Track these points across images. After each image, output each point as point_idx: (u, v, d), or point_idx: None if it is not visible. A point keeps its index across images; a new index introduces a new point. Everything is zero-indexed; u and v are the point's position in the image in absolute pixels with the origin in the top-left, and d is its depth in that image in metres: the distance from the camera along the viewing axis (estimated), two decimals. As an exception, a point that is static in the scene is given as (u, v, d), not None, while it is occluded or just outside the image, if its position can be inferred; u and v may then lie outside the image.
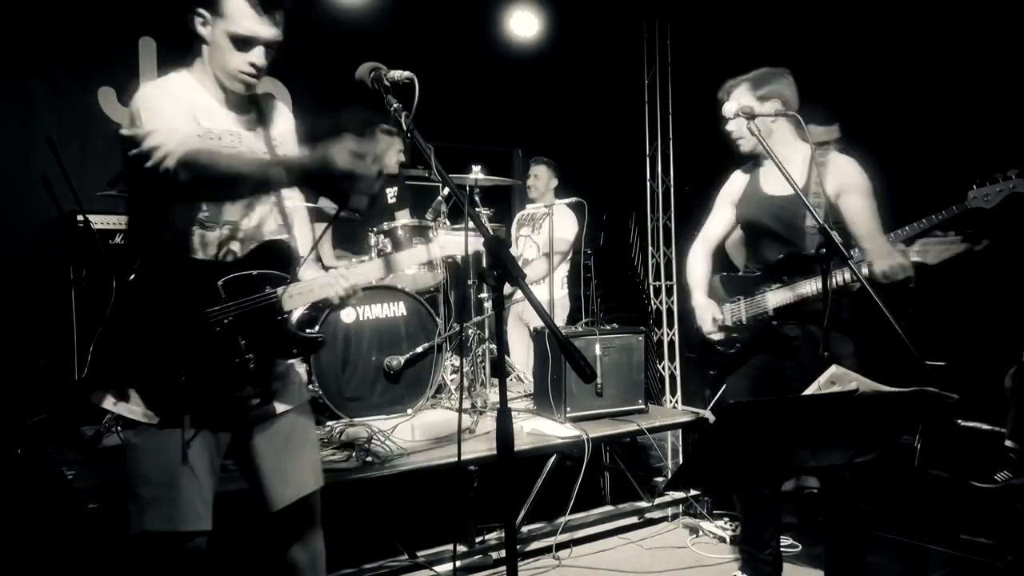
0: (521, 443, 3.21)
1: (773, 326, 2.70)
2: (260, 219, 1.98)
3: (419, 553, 3.14)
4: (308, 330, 2.00)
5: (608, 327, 3.86)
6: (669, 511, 3.83)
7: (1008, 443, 3.92)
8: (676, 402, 5.63)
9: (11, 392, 3.94)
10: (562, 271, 5.01)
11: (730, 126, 2.74)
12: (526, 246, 4.95)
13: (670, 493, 3.86)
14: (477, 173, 4.10)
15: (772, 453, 1.75)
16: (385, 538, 3.16)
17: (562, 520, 3.42)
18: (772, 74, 2.72)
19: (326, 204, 4.58)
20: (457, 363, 4.22)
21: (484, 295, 4.22)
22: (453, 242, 2.57)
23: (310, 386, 3.61)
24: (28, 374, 4.08)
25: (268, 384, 1.96)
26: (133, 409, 1.83)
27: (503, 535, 2.50)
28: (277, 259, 1.95)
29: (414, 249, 2.49)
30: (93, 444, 3.34)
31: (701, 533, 3.63)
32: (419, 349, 3.83)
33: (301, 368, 2.15)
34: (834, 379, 1.80)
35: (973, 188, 2.55)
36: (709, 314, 2.88)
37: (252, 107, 2.04)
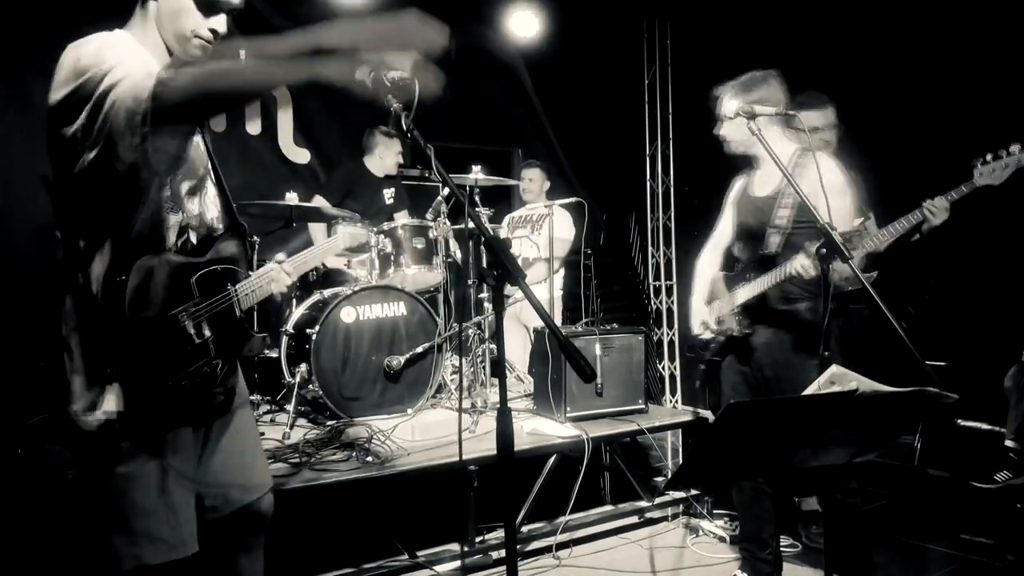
0: (521, 443, 3.20)
1: (825, 325, 2.69)
2: (204, 203, 1.84)
3: (419, 553, 3.14)
4: (255, 331, 1.92)
5: (608, 327, 3.86)
6: (669, 511, 3.83)
7: (1008, 443, 3.93)
8: (676, 402, 5.63)
9: (11, 392, 3.93)
10: (559, 272, 5.03)
11: (723, 130, 2.77)
12: (525, 247, 4.96)
13: (670, 493, 3.86)
14: (477, 173, 4.11)
15: (772, 453, 1.75)
16: (385, 538, 3.16)
17: (562, 520, 3.42)
18: (760, 78, 2.73)
19: (326, 204, 4.59)
20: (457, 363, 4.22)
21: (484, 295, 4.22)
22: (350, 235, 2.77)
23: (310, 386, 3.61)
24: (28, 374, 4.08)
25: (227, 381, 1.85)
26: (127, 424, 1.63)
27: (503, 535, 2.49)
28: (233, 251, 1.86)
29: (320, 245, 2.52)
30: (93, 444, 3.33)
31: (701, 533, 3.63)
32: (419, 349, 3.83)
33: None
34: (834, 379, 1.80)
35: (978, 166, 2.51)
36: (699, 318, 3.01)
37: None
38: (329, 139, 5.43)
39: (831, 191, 2.55)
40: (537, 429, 3.50)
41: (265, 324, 3.93)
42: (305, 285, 4.27)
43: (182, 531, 1.72)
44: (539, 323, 4.41)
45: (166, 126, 1.57)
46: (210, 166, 1.89)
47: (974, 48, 4.35)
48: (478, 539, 3.23)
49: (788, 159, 2.70)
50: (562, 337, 1.56)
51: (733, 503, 3.25)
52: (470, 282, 4.17)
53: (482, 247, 1.60)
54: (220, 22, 1.75)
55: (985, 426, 4.16)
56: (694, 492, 3.83)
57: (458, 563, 3.13)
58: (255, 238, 3.78)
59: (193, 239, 1.78)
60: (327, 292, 3.94)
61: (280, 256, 2.10)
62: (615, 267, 6.34)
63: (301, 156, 5.35)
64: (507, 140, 6.58)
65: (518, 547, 3.28)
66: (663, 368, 5.77)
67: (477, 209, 4.18)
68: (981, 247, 4.25)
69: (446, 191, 4.14)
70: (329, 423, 3.54)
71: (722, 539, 3.52)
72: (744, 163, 2.94)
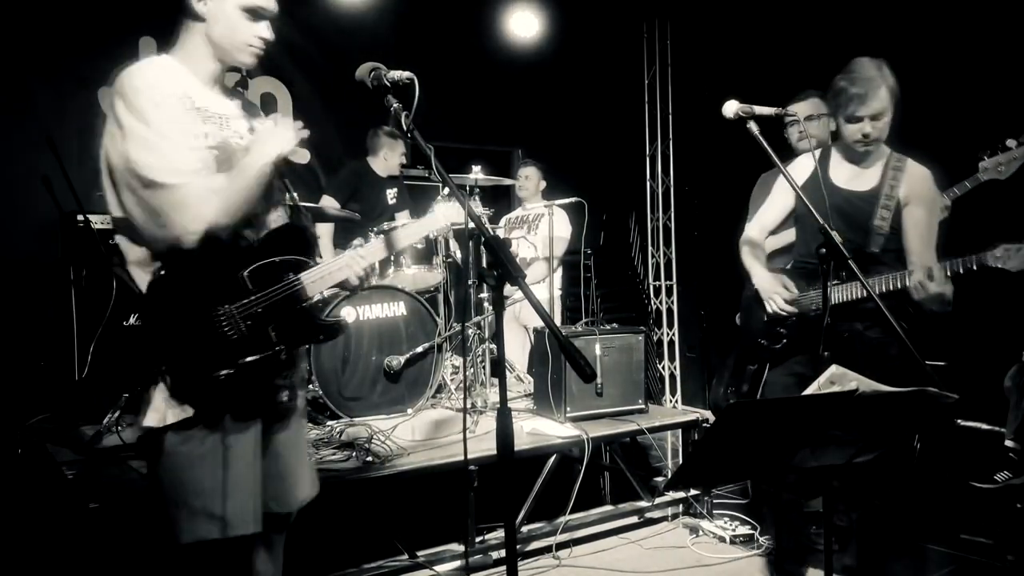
0: (521, 443, 3.20)
1: (825, 324, 2.62)
2: (267, 204, 1.97)
3: (419, 553, 3.14)
4: (328, 316, 2.02)
5: (608, 327, 3.86)
6: (669, 511, 3.83)
7: (1008, 443, 3.92)
8: (676, 402, 5.64)
9: (11, 392, 3.94)
10: (557, 271, 5.03)
11: (867, 127, 2.55)
12: (522, 247, 4.96)
13: (670, 493, 3.86)
14: (477, 173, 4.11)
15: (772, 453, 1.75)
16: (385, 538, 3.16)
17: (562, 520, 3.41)
18: (883, 67, 2.54)
19: (327, 204, 4.59)
20: (457, 363, 4.22)
21: (484, 295, 4.22)
22: (453, 209, 2.58)
23: (310, 386, 3.61)
24: (28, 374, 4.08)
25: (291, 377, 1.97)
26: (180, 411, 1.76)
27: (503, 535, 2.49)
28: (294, 244, 1.93)
29: (416, 222, 2.46)
30: (93, 444, 3.34)
31: (701, 533, 3.62)
32: (419, 349, 3.83)
33: (303, 364, 2.16)
34: (834, 379, 1.80)
35: (984, 159, 2.48)
36: (778, 287, 2.73)
37: (237, 96, 2.04)
38: (329, 140, 5.44)
39: (927, 205, 2.48)
40: (537, 429, 3.50)
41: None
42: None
43: (241, 510, 1.80)
44: (538, 323, 4.41)
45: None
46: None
47: (982, 45, 4.34)
48: (478, 539, 3.22)
49: (880, 159, 2.62)
50: (562, 337, 1.56)
51: (762, 518, 3.17)
52: (470, 282, 4.17)
53: (482, 247, 1.60)
54: (266, 28, 1.90)
55: (985, 426, 4.16)
56: (694, 492, 3.83)
57: (458, 563, 3.13)
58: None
59: (251, 237, 1.89)
60: (327, 292, 3.93)
61: (358, 242, 2.13)
62: (615, 267, 6.35)
63: (301, 156, 5.36)
64: (507, 140, 6.58)
65: (518, 547, 3.28)
66: (663, 368, 5.77)
67: (477, 209, 4.18)
68: (981, 247, 4.24)
69: (446, 191, 4.13)
70: (329, 423, 3.54)
71: (722, 539, 3.52)
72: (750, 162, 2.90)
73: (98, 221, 4.17)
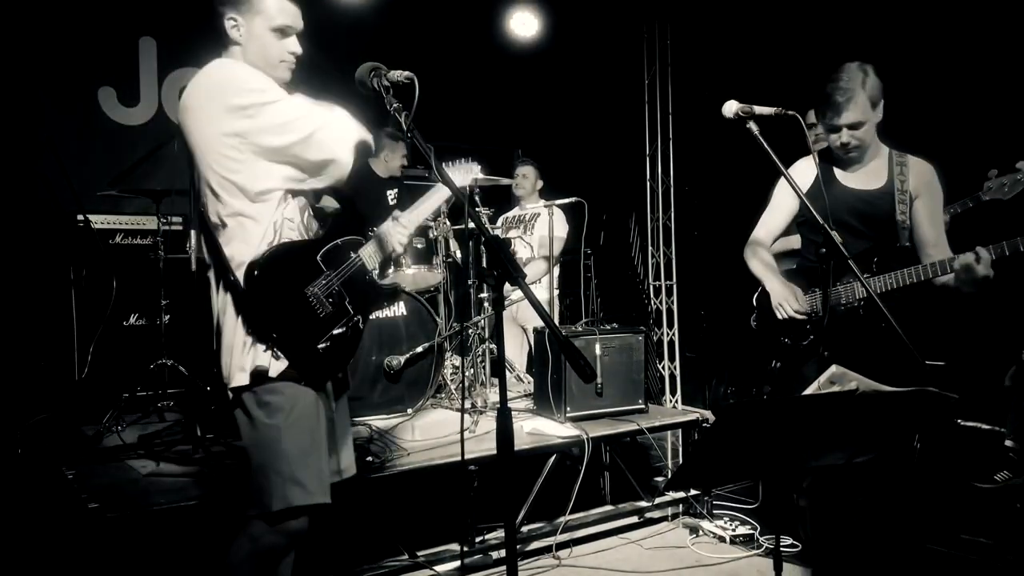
0: (521, 443, 3.20)
1: (860, 316, 2.57)
2: (318, 194, 2.17)
3: (419, 553, 3.14)
4: (387, 283, 2.32)
5: (608, 327, 3.86)
6: (669, 511, 3.83)
7: (1008, 443, 3.92)
8: (676, 402, 5.63)
9: (11, 392, 3.94)
10: (554, 272, 5.03)
11: (845, 136, 2.58)
12: (519, 247, 4.96)
13: (670, 493, 3.86)
14: (477, 173, 4.10)
15: (772, 453, 1.75)
16: (385, 538, 3.16)
17: (562, 520, 3.41)
18: (868, 72, 2.53)
19: (327, 204, 4.58)
20: (457, 363, 4.23)
21: (484, 295, 4.22)
22: (462, 173, 3.01)
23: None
24: (28, 374, 4.09)
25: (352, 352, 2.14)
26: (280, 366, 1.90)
27: (503, 535, 2.49)
28: (350, 225, 2.19)
29: (431, 192, 2.60)
30: (93, 444, 3.34)
31: (701, 533, 3.63)
32: (419, 349, 3.83)
33: None
34: (834, 379, 1.80)
35: (990, 179, 2.50)
36: (791, 294, 2.72)
37: None
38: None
39: (934, 197, 2.50)
40: (537, 429, 3.50)
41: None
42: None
43: (321, 481, 1.97)
44: (536, 323, 4.41)
45: None
46: None
47: (983, 64, 4.34)
48: (478, 539, 3.23)
49: (885, 157, 2.63)
50: (562, 337, 1.56)
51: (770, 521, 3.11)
52: (470, 282, 4.17)
53: (482, 247, 1.61)
54: (295, 43, 2.07)
55: (985, 426, 4.16)
56: (694, 492, 3.83)
57: (458, 563, 3.13)
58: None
59: (315, 224, 2.11)
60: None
61: (396, 213, 2.40)
62: (615, 267, 6.35)
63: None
64: (507, 140, 6.58)
65: (518, 547, 3.28)
66: (663, 368, 5.77)
67: (477, 209, 4.18)
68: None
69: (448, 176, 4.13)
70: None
71: (722, 539, 3.52)
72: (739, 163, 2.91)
73: (98, 221, 4.18)
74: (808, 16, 4.95)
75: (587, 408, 3.67)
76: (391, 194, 4.98)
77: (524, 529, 3.43)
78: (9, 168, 4.38)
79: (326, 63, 5.34)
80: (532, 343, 4.47)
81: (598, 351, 3.70)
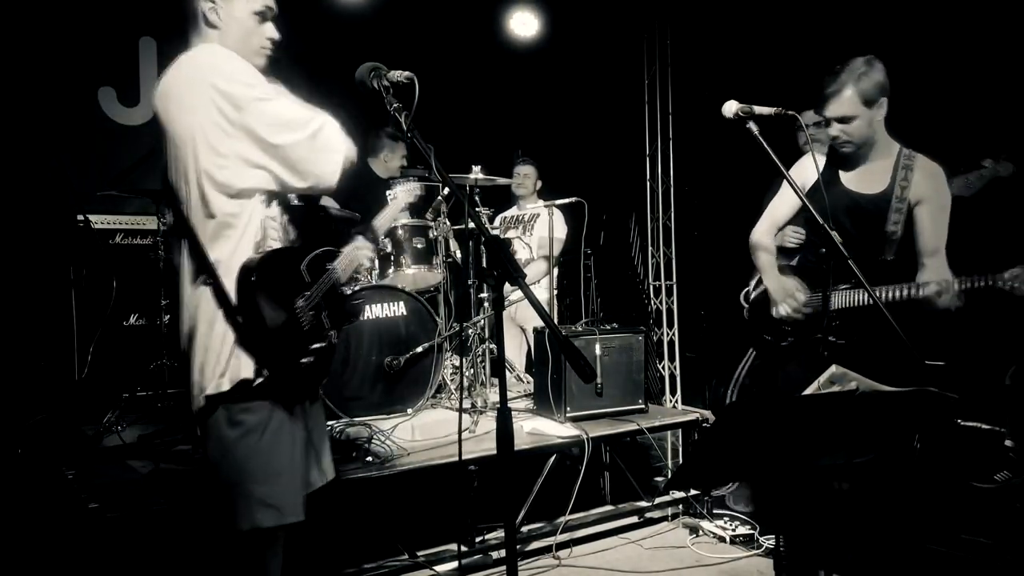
0: (521, 443, 3.20)
1: (833, 327, 2.55)
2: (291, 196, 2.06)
3: (419, 553, 3.14)
4: (354, 298, 2.20)
5: (608, 327, 3.86)
6: (669, 511, 3.83)
7: (1008, 443, 3.92)
8: (676, 402, 5.63)
9: (11, 392, 3.94)
10: (553, 272, 5.03)
11: (834, 130, 2.58)
12: (517, 247, 4.96)
13: (670, 493, 3.86)
14: (477, 173, 4.10)
15: (772, 453, 1.75)
16: (385, 538, 3.16)
17: (562, 520, 3.41)
18: (866, 67, 2.49)
19: (332, 204, 4.58)
20: (457, 363, 4.22)
21: (484, 295, 4.22)
22: (409, 187, 3.11)
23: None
24: (28, 374, 4.09)
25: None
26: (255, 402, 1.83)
27: (503, 535, 2.49)
28: (327, 234, 2.09)
29: (387, 208, 2.73)
30: (93, 444, 3.34)
31: (701, 533, 3.63)
32: (419, 349, 3.83)
33: None
34: (834, 379, 1.80)
35: (953, 180, 2.51)
36: (790, 293, 2.71)
37: None
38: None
39: (939, 205, 2.45)
40: (537, 429, 3.50)
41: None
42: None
43: (294, 500, 1.90)
44: (535, 323, 4.41)
45: None
46: None
47: (951, 66, 4.35)
48: (478, 539, 3.23)
49: (895, 158, 2.56)
50: (562, 337, 1.56)
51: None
52: (470, 282, 4.17)
53: (482, 247, 1.61)
54: (273, 29, 1.98)
55: (985, 426, 4.16)
56: (694, 492, 3.83)
57: (458, 563, 3.13)
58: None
59: (291, 231, 2.00)
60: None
61: (360, 229, 2.30)
62: (615, 267, 6.34)
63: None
64: (507, 140, 6.58)
65: (518, 547, 3.28)
66: (663, 368, 5.76)
67: (477, 209, 4.18)
68: (982, 246, 4.24)
69: (446, 191, 4.13)
70: (329, 423, 3.54)
71: (722, 539, 3.52)
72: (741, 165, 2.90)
73: (98, 221, 4.18)
74: (808, 16, 4.95)
75: (587, 408, 3.67)
76: (390, 195, 4.98)
77: (524, 529, 3.43)
78: (9, 168, 4.38)
79: (326, 63, 5.36)
80: (532, 343, 4.47)
81: (598, 351, 3.70)
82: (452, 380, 4.15)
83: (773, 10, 5.11)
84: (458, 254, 4.37)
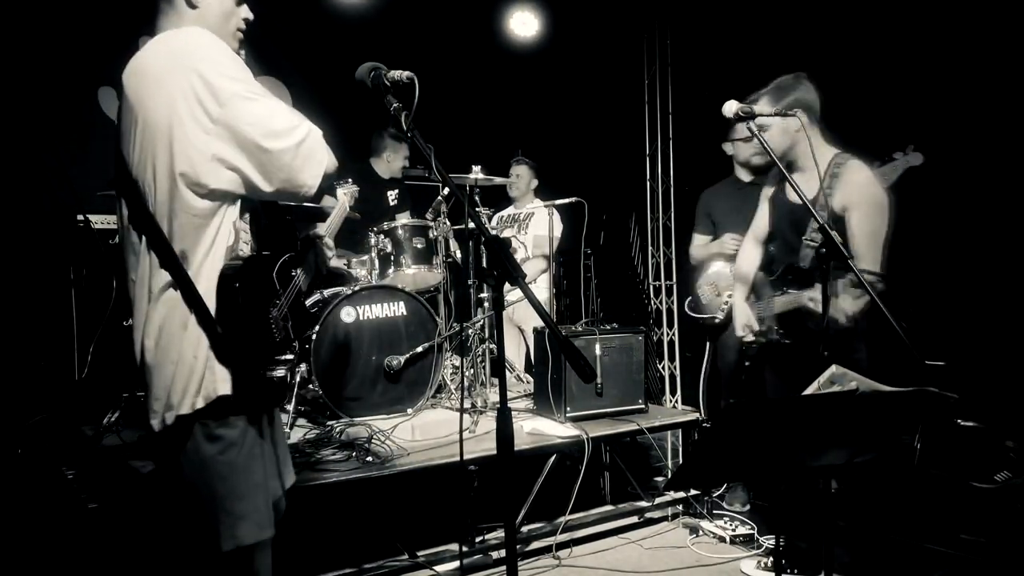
0: (521, 443, 3.20)
1: (825, 324, 2.65)
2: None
3: (419, 553, 3.14)
4: (312, 306, 2.11)
5: (608, 327, 3.86)
6: (669, 511, 3.83)
7: (1008, 443, 3.92)
8: (676, 402, 5.63)
9: (11, 392, 3.94)
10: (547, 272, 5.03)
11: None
12: (514, 246, 4.96)
13: (670, 493, 3.86)
14: (477, 173, 4.10)
15: (772, 453, 1.75)
16: (385, 538, 3.16)
17: (562, 520, 3.41)
18: (791, 83, 2.66)
19: (328, 204, 4.58)
20: (457, 363, 4.22)
21: (484, 295, 4.22)
22: (347, 190, 3.11)
23: (310, 386, 3.61)
24: (28, 374, 4.09)
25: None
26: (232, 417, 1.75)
27: (503, 535, 2.49)
28: (289, 240, 1.98)
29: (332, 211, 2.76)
30: (93, 444, 3.34)
31: (701, 533, 3.62)
32: (419, 349, 3.84)
33: None
34: (834, 379, 1.80)
35: (873, 167, 2.58)
36: (741, 320, 2.94)
37: None
38: (329, 140, 5.43)
39: (864, 209, 2.50)
40: (537, 429, 3.50)
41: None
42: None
43: (267, 512, 1.83)
44: (534, 323, 4.41)
45: None
46: None
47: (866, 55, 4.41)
48: (478, 539, 3.23)
49: (826, 165, 2.61)
50: (562, 337, 1.56)
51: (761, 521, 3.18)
52: (470, 282, 4.17)
53: (482, 247, 1.61)
54: (247, 10, 1.91)
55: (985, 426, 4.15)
56: (694, 492, 3.83)
57: (458, 563, 3.13)
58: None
59: (259, 236, 1.87)
60: (327, 292, 3.94)
61: (318, 230, 2.20)
62: (615, 267, 6.34)
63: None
64: (507, 140, 6.58)
65: (518, 547, 3.28)
66: (663, 368, 5.76)
67: (477, 209, 4.18)
68: (982, 247, 4.25)
69: (446, 191, 4.14)
70: (329, 423, 3.54)
71: (722, 539, 3.52)
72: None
73: (98, 221, 4.18)
74: (808, 16, 4.95)
75: (587, 408, 3.67)
76: (391, 195, 4.99)
77: (524, 529, 3.43)
78: (9, 168, 4.38)
79: (326, 63, 5.36)
80: (531, 343, 4.47)
81: (598, 351, 3.70)
82: (452, 380, 4.15)
83: (773, 10, 5.12)
84: (458, 254, 4.37)
